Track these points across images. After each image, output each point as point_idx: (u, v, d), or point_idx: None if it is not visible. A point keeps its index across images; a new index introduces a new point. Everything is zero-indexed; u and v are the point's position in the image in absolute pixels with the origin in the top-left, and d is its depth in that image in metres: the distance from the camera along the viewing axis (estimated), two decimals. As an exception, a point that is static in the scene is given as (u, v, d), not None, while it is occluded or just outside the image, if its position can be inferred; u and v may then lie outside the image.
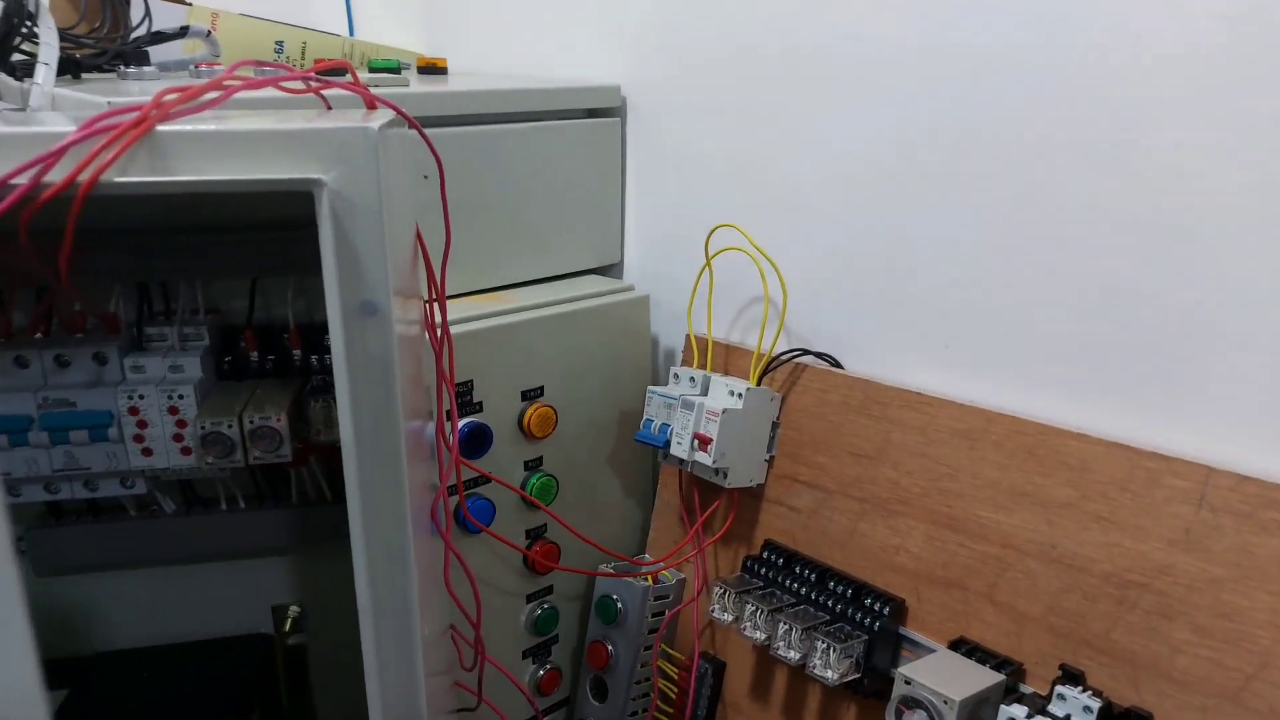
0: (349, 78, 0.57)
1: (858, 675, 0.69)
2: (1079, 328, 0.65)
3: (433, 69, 1.01)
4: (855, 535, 0.75)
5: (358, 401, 0.41)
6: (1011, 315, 0.68)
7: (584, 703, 0.89)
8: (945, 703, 0.58)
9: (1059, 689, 0.58)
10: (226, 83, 0.43)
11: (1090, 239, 0.63)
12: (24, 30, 0.73)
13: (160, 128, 0.38)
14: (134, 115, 0.38)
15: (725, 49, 0.83)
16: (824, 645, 0.68)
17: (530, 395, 0.82)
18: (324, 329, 0.63)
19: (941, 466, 0.69)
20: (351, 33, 1.30)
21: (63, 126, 0.38)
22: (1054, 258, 0.65)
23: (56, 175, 0.36)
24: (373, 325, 0.41)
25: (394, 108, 0.55)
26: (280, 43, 1.04)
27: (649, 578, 0.86)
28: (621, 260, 0.98)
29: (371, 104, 0.57)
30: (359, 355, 0.41)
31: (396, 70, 1.00)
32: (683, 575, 0.87)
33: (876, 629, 0.69)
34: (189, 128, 0.39)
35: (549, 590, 0.88)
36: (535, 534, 0.85)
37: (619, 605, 0.85)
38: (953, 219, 0.70)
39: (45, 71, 0.71)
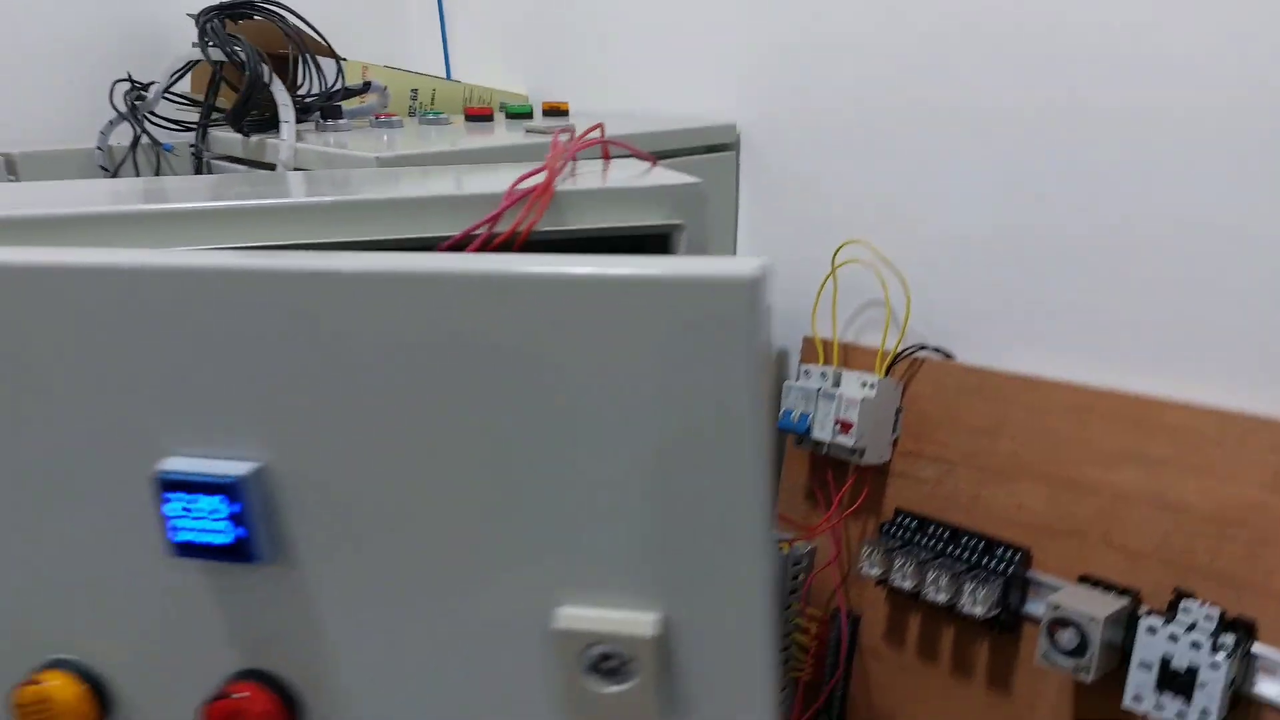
0: (599, 134, 0.70)
1: (997, 611, 0.82)
2: (1171, 317, 0.79)
3: (556, 112, 1.14)
4: (979, 500, 0.88)
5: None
6: (1110, 309, 0.83)
7: (731, 661, 1.02)
8: (1092, 620, 0.72)
9: (1183, 603, 0.72)
10: (576, 155, 0.56)
11: (1181, 250, 0.78)
12: (258, 99, 0.85)
13: (557, 188, 0.51)
14: (541, 181, 0.51)
15: (831, 89, 0.97)
16: (971, 586, 0.81)
17: (684, 393, 0.95)
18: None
19: (1056, 437, 0.83)
20: (448, 74, 1.42)
21: (487, 188, 0.50)
22: (1150, 268, 0.80)
23: (501, 227, 0.49)
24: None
25: (641, 154, 0.68)
26: (415, 90, 1.17)
27: (784, 546, 0.99)
28: (733, 274, 1.11)
29: (606, 153, 0.70)
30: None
31: (530, 114, 1.12)
32: (813, 545, 1.00)
33: (1010, 573, 0.83)
34: (577, 188, 0.51)
35: (697, 564, 1.01)
36: (687, 514, 0.98)
37: (763, 573, 0.98)
38: (1056, 233, 0.85)
39: (287, 129, 0.83)
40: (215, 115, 0.95)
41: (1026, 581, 0.84)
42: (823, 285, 0.96)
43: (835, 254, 0.94)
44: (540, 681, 0.32)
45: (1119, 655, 0.76)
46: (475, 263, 0.30)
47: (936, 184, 0.92)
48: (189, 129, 0.97)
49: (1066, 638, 0.73)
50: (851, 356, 0.98)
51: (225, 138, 0.94)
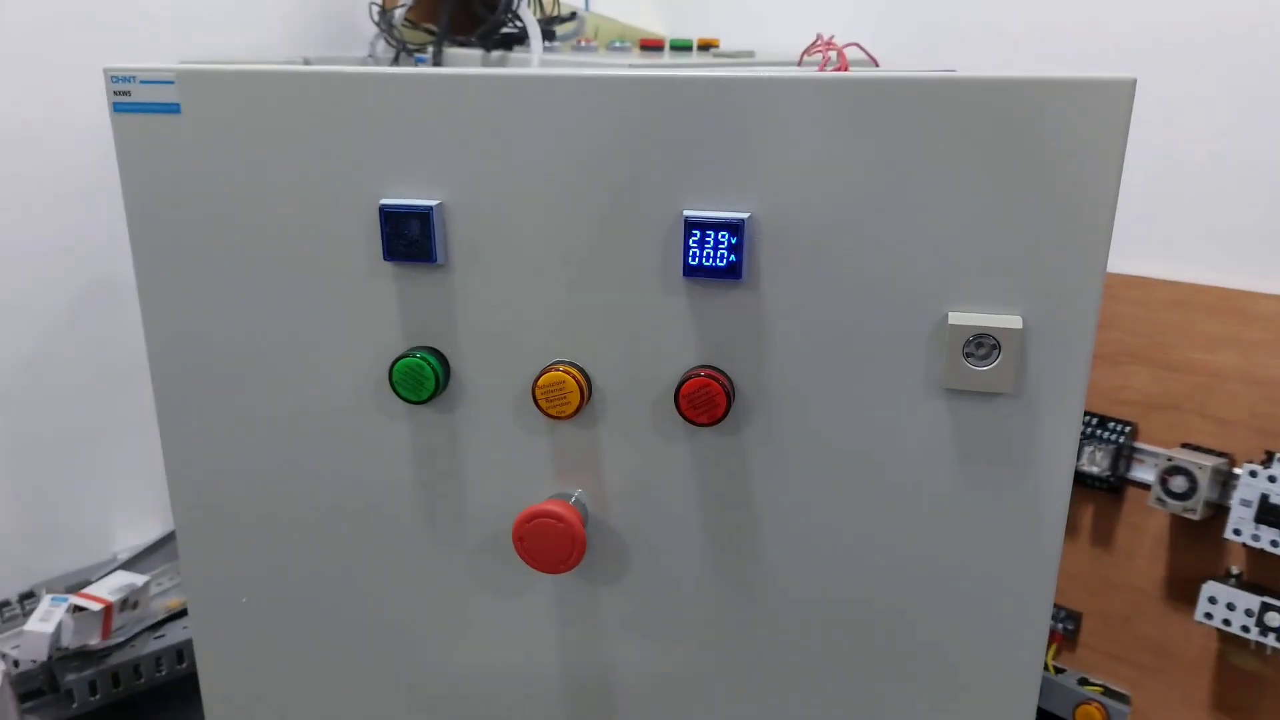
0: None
1: (1109, 475, 0.98)
2: (1266, 220, 0.95)
3: (708, 46, 1.29)
4: (1091, 385, 1.04)
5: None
6: (1213, 214, 0.99)
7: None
8: (1200, 469, 0.88)
9: (1277, 455, 0.88)
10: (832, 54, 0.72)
11: (1269, 162, 0.93)
12: (506, 20, 1.00)
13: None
14: (839, 63, 0.66)
15: (966, 24, 1.12)
16: (1090, 449, 0.98)
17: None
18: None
19: (1159, 326, 0.99)
20: (587, 4, 1.57)
21: (792, 73, 0.66)
22: (1245, 179, 0.95)
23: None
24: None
25: (872, 57, 0.83)
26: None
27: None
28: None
29: (844, 64, 0.85)
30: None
31: (690, 48, 1.27)
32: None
33: (1120, 442, 0.99)
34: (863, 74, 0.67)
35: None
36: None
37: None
38: (1164, 152, 1.00)
39: (536, 44, 0.98)
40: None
41: (1134, 450, 1.00)
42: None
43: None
44: (930, 363, 0.48)
45: (1212, 508, 0.92)
46: (925, 75, 0.45)
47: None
48: (408, 49, 1.12)
49: (1178, 483, 0.90)
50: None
51: (458, 54, 1.09)
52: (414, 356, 0.52)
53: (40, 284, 1.10)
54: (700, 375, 0.49)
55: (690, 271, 0.48)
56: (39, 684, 0.98)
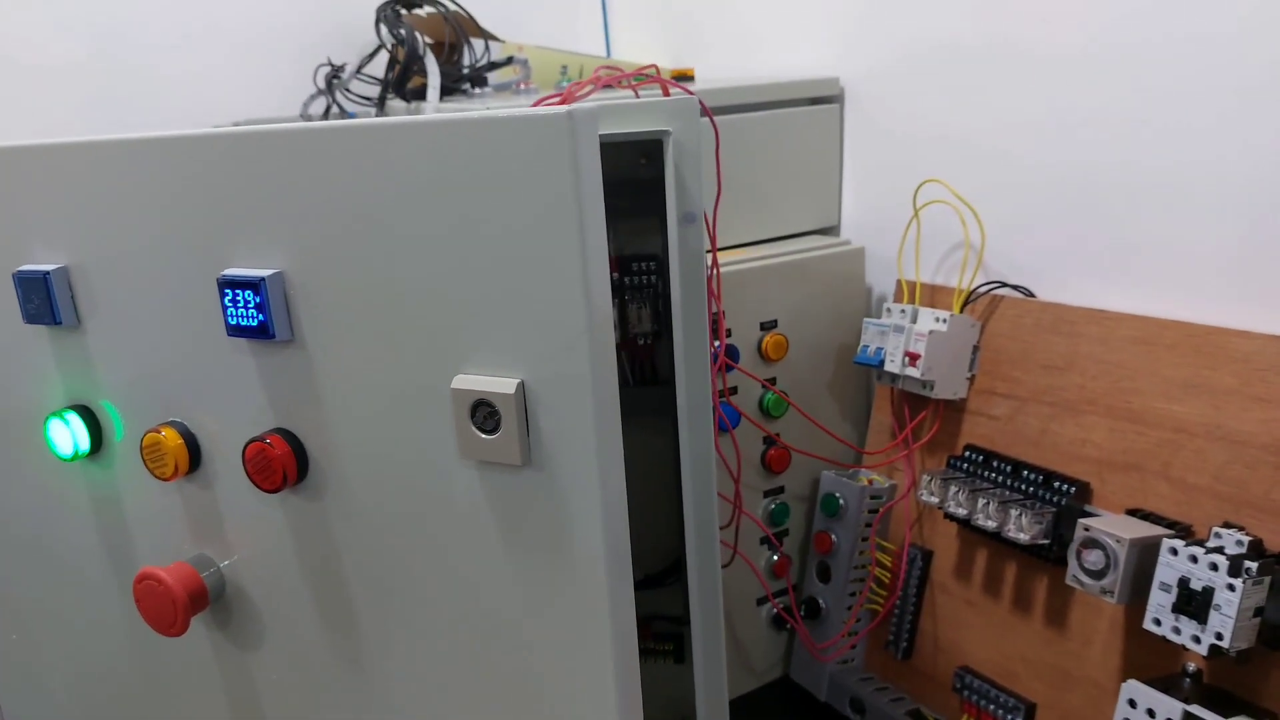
0: (653, 75, 0.81)
1: (1047, 541, 0.83)
2: (1235, 248, 0.77)
3: (683, 77, 1.25)
4: (1047, 434, 0.89)
5: (686, 287, 0.62)
6: (1179, 242, 0.81)
7: (811, 583, 1.09)
8: (1118, 542, 0.73)
9: (1215, 529, 0.71)
10: (594, 83, 0.68)
11: (1249, 181, 0.75)
12: (414, 69, 1.03)
13: (575, 106, 0.62)
14: (558, 99, 0.62)
15: (929, 39, 1.00)
16: (1017, 513, 0.83)
17: (767, 326, 1.03)
18: (631, 259, 0.87)
19: (1122, 369, 0.83)
20: (609, 52, 1.58)
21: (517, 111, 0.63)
22: (1217, 198, 0.78)
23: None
24: (693, 230, 0.63)
25: (685, 89, 0.78)
26: (565, 67, 1.32)
27: (865, 480, 1.04)
28: (839, 222, 1.17)
29: (666, 90, 0.81)
30: (686, 251, 0.63)
31: (655, 79, 1.24)
32: (894, 482, 1.04)
33: (1063, 504, 0.84)
34: (590, 104, 0.63)
35: (781, 489, 1.08)
36: (768, 441, 1.06)
37: (841, 501, 1.04)
38: (1125, 169, 0.84)
39: (433, 94, 1.01)
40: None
41: (1084, 513, 0.84)
42: (907, 228, 1.00)
43: (915, 194, 0.97)
44: (446, 429, 0.44)
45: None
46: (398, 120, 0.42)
47: (1020, 125, 0.93)
48: (341, 106, 1.19)
49: (1093, 558, 0.74)
50: (938, 297, 1.01)
51: (398, 106, 1.14)
52: (60, 415, 0.55)
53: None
54: (262, 441, 0.49)
55: (232, 331, 0.48)
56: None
